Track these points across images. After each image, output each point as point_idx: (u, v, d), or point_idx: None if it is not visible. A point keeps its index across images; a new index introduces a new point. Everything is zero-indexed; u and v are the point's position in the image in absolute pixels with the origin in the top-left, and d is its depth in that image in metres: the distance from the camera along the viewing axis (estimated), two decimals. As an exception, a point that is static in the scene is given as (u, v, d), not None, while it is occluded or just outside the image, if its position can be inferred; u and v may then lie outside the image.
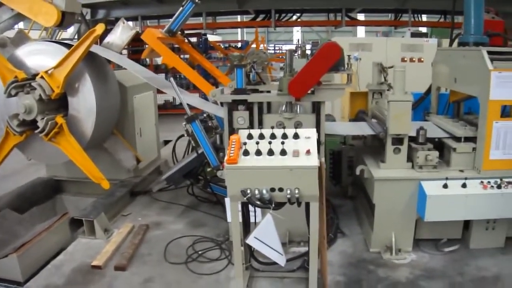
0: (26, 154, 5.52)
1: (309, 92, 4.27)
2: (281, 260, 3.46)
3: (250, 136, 3.43)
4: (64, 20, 5.25)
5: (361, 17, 18.42)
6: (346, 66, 4.35)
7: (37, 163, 6.56)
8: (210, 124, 5.36)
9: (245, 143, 3.32)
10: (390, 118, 4.38)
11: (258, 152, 3.24)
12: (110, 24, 10.29)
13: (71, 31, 10.04)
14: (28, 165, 7.18)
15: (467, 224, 4.63)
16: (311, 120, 4.40)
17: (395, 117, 4.37)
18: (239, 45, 16.12)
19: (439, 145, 4.71)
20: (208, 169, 4.93)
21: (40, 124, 5.01)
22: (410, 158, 4.55)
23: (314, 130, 3.51)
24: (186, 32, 12.26)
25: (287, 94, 4.23)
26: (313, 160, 3.17)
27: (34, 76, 5.11)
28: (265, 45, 22.12)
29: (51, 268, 4.45)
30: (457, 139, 4.61)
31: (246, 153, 3.26)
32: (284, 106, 4.41)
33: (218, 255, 4.54)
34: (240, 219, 3.64)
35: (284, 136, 3.40)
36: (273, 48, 25.70)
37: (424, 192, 4.22)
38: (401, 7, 9.28)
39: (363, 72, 7.09)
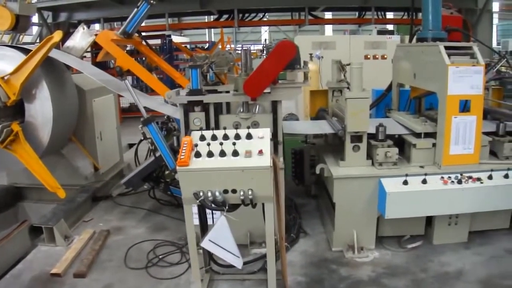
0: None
1: (265, 91, 4.25)
2: (237, 263, 3.42)
3: (202, 138, 3.39)
4: (19, 23, 5.10)
5: (328, 15, 18.58)
6: (302, 64, 4.35)
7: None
8: (170, 126, 5.30)
9: (196, 145, 3.29)
10: (348, 116, 4.39)
11: (210, 154, 3.22)
12: (72, 27, 10.17)
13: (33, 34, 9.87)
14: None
15: (430, 220, 4.65)
16: (268, 120, 4.37)
17: (352, 115, 4.38)
18: (206, 46, 16.05)
19: (399, 142, 4.73)
20: (167, 172, 4.88)
21: (-4, 132, 4.86)
22: (370, 156, 4.56)
23: (268, 129, 3.49)
24: (149, 33, 12.24)
25: (243, 94, 4.20)
26: (265, 160, 3.15)
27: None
28: (231, 46, 22.07)
29: (10, 277, 4.32)
30: (417, 135, 4.65)
31: (198, 155, 3.23)
32: (241, 107, 4.38)
33: (179, 259, 4.48)
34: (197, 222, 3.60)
35: (237, 136, 3.37)
36: (241, 48, 25.68)
37: (384, 189, 4.23)
38: (364, 4, 9.38)
39: (326, 70, 7.11)
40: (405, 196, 4.23)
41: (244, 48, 4.92)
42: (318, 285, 4.02)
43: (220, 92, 4.76)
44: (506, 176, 4.35)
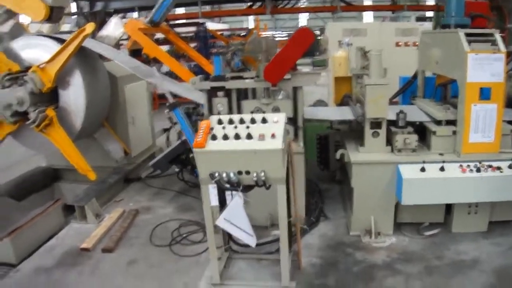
0: (19, 142, 5.72)
1: (286, 77, 4.35)
2: (251, 241, 3.58)
3: (220, 122, 3.55)
4: (53, 14, 5.39)
5: (367, 1, 18.26)
6: (322, 51, 4.41)
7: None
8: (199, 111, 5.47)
9: (212, 128, 3.45)
10: (367, 102, 4.42)
11: (225, 137, 3.37)
12: (109, 16, 10.49)
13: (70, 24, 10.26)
14: (32, 154, 7.40)
15: (449, 208, 4.62)
16: (289, 105, 4.48)
17: (372, 101, 4.40)
18: (244, 33, 16.16)
19: (421, 129, 4.71)
20: (191, 155, 5.07)
21: (32, 115, 5.17)
22: (390, 142, 4.57)
23: (283, 114, 3.60)
24: (183, 21, 12.46)
25: (264, 80, 4.32)
26: (277, 143, 3.27)
27: (27, 69, 5.28)
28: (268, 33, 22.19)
29: (43, 251, 4.68)
30: (439, 123, 4.60)
31: (214, 137, 3.39)
32: (262, 92, 4.50)
33: (201, 238, 4.68)
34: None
35: (253, 121, 3.50)
36: (280, 34, 25.60)
37: (401, 176, 4.24)
38: (397, -9, 9.24)
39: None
40: (422, 183, 4.22)
41: (269, 34, 4.98)
42: (332, 267, 4.12)
43: (245, 78, 4.88)
44: None
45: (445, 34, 4.79)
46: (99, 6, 10.10)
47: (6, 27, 5.98)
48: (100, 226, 5.03)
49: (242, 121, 3.51)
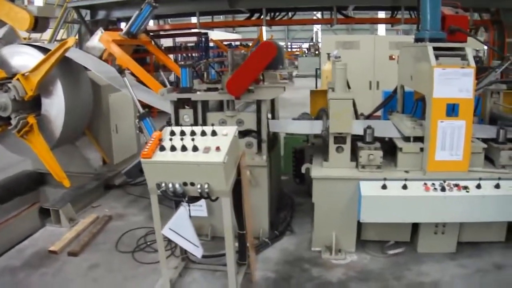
0: (4, 146, 5.91)
1: (250, 90, 4.39)
2: (197, 252, 3.62)
3: (172, 133, 3.62)
4: (38, 24, 5.58)
5: (381, 14, 18.11)
6: (285, 64, 4.45)
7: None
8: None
9: (161, 140, 3.53)
10: (330, 117, 4.39)
11: (173, 148, 3.43)
12: (112, 24, 10.76)
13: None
14: (20, 159, 7.60)
15: (416, 227, 4.51)
16: (253, 118, 4.53)
17: (335, 116, 4.36)
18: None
19: (393, 146, 4.62)
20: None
21: (13, 121, 5.38)
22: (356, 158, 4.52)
23: (234, 128, 3.65)
24: (182, 31, 12.63)
25: (227, 93, 4.38)
26: (220, 157, 3.31)
27: (13, 76, 5.47)
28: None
29: (14, 251, 4.82)
30: (407, 139, 4.52)
31: (162, 148, 3.47)
32: (226, 105, 4.57)
33: (164, 246, 4.72)
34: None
35: (203, 133, 3.56)
36: (290, 45, 25.89)
37: (360, 193, 4.19)
38: (394, 4, 9.18)
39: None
40: (382, 201, 4.14)
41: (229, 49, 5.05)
42: (285, 282, 4.10)
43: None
44: (497, 186, 4.13)
45: (417, 48, 4.71)
46: (100, 14, 10.36)
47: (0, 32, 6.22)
48: (71, 230, 5.15)
49: (193, 133, 3.58)
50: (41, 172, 6.71)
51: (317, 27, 33.11)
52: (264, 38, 26.34)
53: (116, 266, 4.46)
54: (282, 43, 24.85)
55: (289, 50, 25.20)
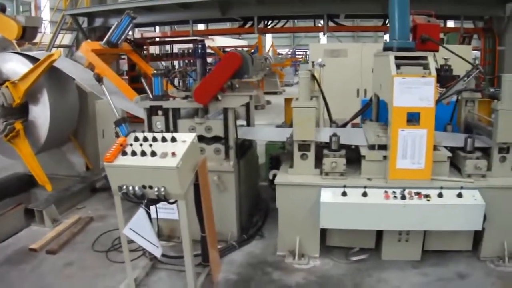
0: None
1: (217, 98, 4.60)
2: (156, 252, 3.84)
3: (136, 139, 3.84)
4: (26, 34, 5.88)
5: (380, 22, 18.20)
6: (250, 73, 4.63)
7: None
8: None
9: (121, 145, 3.75)
10: (294, 125, 4.55)
11: (134, 153, 3.65)
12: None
13: (70, 38, 10.88)
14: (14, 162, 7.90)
15: (381, 234, 4.56)
16: (220, 125, 4.73)
17: (298, 124, 4.51)
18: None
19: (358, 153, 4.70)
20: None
21: (1, 127, 5.68)
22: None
23: (193, 135, 3.85)
24: (180, 38, 12.91)
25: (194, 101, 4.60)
26: (174, 162, 3.51)
27: (3, 83, 5.77)
28: (276, 50, 22.44)
29: (-3, 249, 5.09)
30: (372, 147, 4.60)
31: (124, 153, 3.69)
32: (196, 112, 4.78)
33: (138, 246, 4.93)
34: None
35: (163, 139, 3.78)
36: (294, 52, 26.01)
37: (320, 199, 4.28)
38: (384, 12, 9.31)
39: (328, 78, 7.21)
40: (341, 207, 4.23)
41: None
42: (244, 284, 4.25)
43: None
44: (460, 195, 4.20)
45: (384, 57, 4.71)
46: (98, 22, 10.67)
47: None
48: (52, 230, 5.40)
49: (154, 139, 3.79)
50: (31, 175, 6.98)
51: (322, 35, 33.34)
52: (268, 45, 26.76)
53: (89, 264, 4.69)
54: (286, 50, 25.18)
55: (293, 56, 25.34)
